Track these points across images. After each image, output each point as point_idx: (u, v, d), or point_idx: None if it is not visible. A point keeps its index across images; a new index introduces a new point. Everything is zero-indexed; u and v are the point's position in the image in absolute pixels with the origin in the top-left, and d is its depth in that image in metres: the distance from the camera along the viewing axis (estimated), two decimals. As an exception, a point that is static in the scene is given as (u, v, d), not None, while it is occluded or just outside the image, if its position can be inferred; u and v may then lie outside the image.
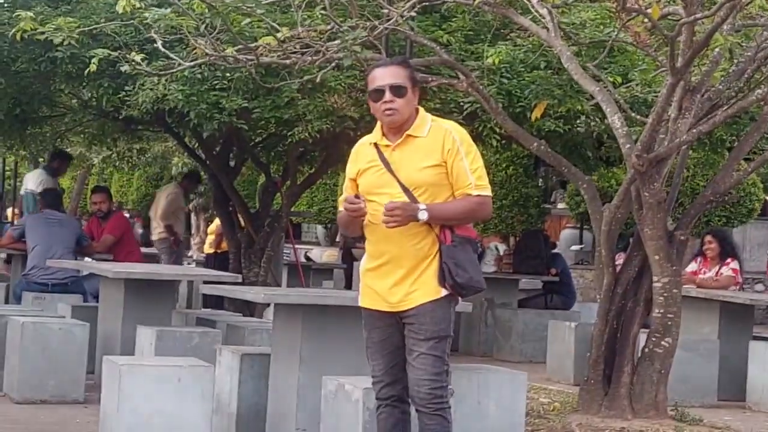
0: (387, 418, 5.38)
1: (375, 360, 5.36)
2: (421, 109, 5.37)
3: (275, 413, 7.07)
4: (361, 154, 5.42)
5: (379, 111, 5.28)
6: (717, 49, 8.08)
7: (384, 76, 5.28)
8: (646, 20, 7.94)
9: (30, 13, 8.24)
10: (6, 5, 9.85)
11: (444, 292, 5.20)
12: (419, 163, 5.21)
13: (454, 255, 5.17)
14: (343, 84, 9.33)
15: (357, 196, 5.25)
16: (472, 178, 5.21)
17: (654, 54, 8.94)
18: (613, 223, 8.19)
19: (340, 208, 5.34)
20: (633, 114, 8.72)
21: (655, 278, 8.06)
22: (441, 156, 5.20)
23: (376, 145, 5.33)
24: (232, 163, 13.45)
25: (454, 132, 5.26)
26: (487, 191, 5.27)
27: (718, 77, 8.44)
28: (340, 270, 19.49)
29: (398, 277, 5.23)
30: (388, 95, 5.23)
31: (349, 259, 18.62)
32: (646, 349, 8.19)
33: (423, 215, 5.10)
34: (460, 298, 5.35)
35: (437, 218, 5.16)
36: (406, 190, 5.18)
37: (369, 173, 5.33)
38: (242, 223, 12.79)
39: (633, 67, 9.82)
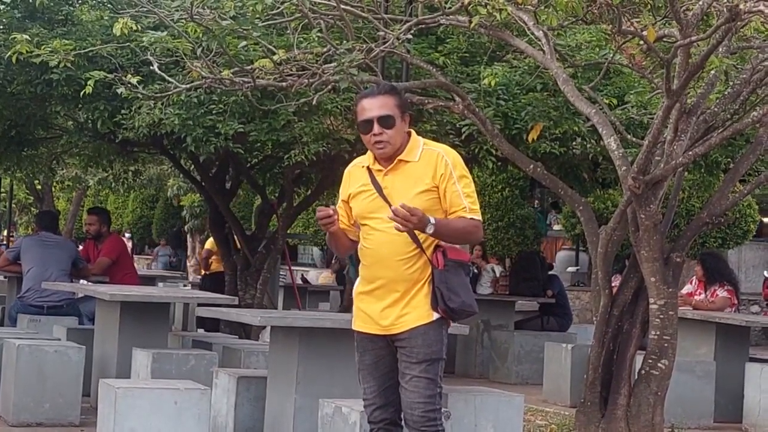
0: None
1: (367, 383, 5.34)
2: (413, 133, 5.34)
3: (271, 436, 7.06)
4: (354, 177, 5.40)
5: (370, 143, 5.26)
6: (712, 72, 8.11)
7: (372, 107, 5.24)
8: (641, 42, 7.96)
9: (26, 36, 8.26)
10: (1, 27, 9.85)
11: (436, 316, 5.19)
12: (412, 189, 5.19)
13: (446, 279, 5.16)
14: (339, 106, 9.35)
15: (327, 206, 5.27)
16: (466, 202, 5.19)
17: (650, 76, 8.96)
18: (609, 245, 8.19)
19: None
20: (629, 136, 8.74)
21: (651, 300, 8.05)
22: (432, 180, 5.18)
23: (368, 168, 5.32)
24: (228, 185, 13.46)
25: (447, 156, 5.23)
26: (479, 216, 5.26)
27: (713, 99, 8.46)
28: (337, 291, 19.47)
29: (390, 301, 5.21)
30: (376, 128, 5.20)
31: (345, 281, 18.64)
32: (643, 371, 8.18)
33: (430, 229, 5.06)
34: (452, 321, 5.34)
35: (440, 234, 5.12)
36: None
37: (361, 197, 5.32)
38: (238, 245, 12.78)
39: (629, 89, 9.85)
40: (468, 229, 5.21)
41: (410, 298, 5.19)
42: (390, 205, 5.16)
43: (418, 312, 5.18)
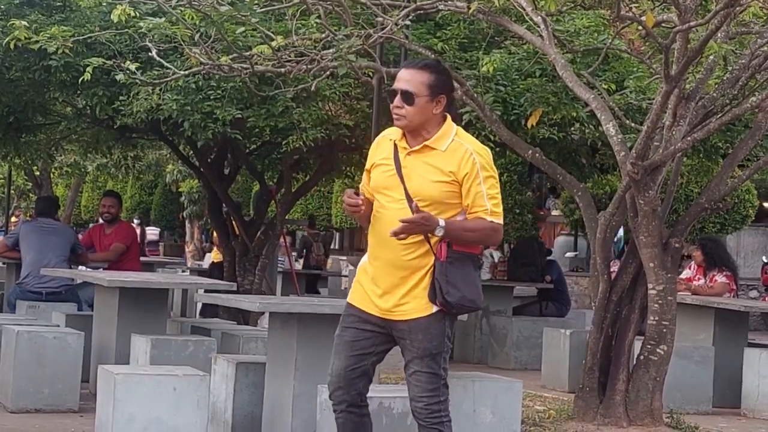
0: (344, 423, 5.28)
1: (337, 358, 5.24)
2: (449, 120, 5.19)
3: (270, 422, 7.07)
4: (381, 147, 5.29)
5: (392, 111, 5.18)
6: (711, 57, 8.10)
7: (402, 78, 5.16)
8: (640, 28, 7.96)
9: (24, 22, 8.24)
10: (0, 14, 9.84)
11: (436, 308, 5.09)
12: (430, 176, 5.08)
13: (446, 272, 5.05)
14: (337, 92, 9.34)
15: (357, 193, 5.16)
16: (489, 204, 5.06)
17: (648, 61, 8.96)
18: (608, 230, 8.19)
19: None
20: (627, 121, 8.73)
21: (650, 286, 8.06)
22: (454, 175, 5.06)
23: (395, 143, 5.20)
24: (226, 171, 13.45)
25: (476, 155, 5.09)
26: (500, 219, 5.12)
27: (712, 85, 8.46)
28: (336, 277, 19.48)
29: (388, 285, 5.14)
30: (397, 100, 5.11)
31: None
32: (641, 357, 8.20)
33: (440, 232, 4.98)
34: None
35: (451, 236, 5.02)
36: (409, 199, 5.06)
37: (380, 170, 5.22)
38: (237, 231, 12.79)
39: (627, 74, 9.83)
40: (485, 232, 5.09)
41: (410, 288, 5.10)
42: (404, 186, 5.08)
43: (418, 303, 5.10)
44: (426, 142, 5.13)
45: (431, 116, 5.14)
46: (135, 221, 29.75)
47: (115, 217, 11.94)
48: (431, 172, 5.10)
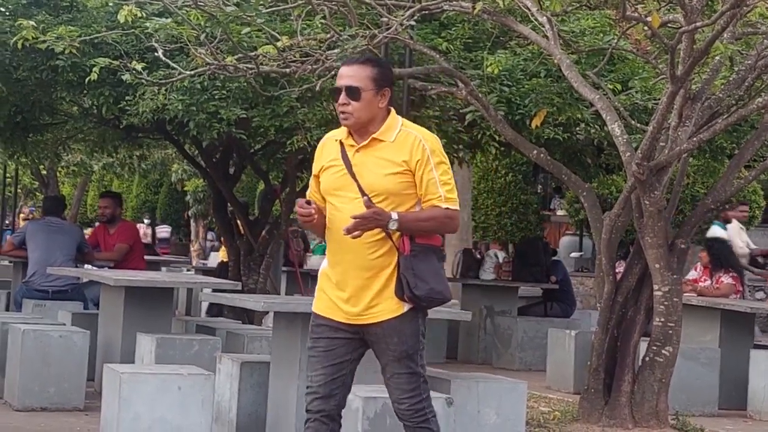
0: None
1: (315, 370, 5.09)
2: (393, 112, 5.11)
3: (275, 421, 7.07)
4: (326, 150, 5.17)
5: (337, 111, 5.08)
6: (717, 57, 8.10)
7: (344, 74, 5.05)
8: (646, 28, 7.95)
9: (31, 22, 8.26)
10: (7, 14, 9.86)
11: (407, 306, 4.99)
12: (382, 170, 4.98)
13: (413, 266, 4.94)
14: (342, 92, 9.32)
15: (308, 202, 5.04)
16: (442, 190, 4.97)
17: (654, 62, 8.96)
18: (613, 231, 8.19)
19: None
20: (633, 122, 8.73)
21: (655, 287, 8.06)
22: (407, 164, 4.97)
23: (341, 143, 5.09)
24: (231, 171, 13.47)
25: (425, 141, 5.00)
26: (456, 205, 5.03)
27: (718, 85, 8.45)
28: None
29: (354, 288, 5.00)
30: (342, 97, 5.01)
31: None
32: (647, 358, 8.19)
33: (393, 225, 4.88)
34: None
35: (406, 228, 4.94)
36: (365, 195, 4.95)
37: (330, 172, 5.09)
38: (242, 230, 12.80)
39: (633, 74, 9.83)
40: (440, 220, 5.00)
41: (379, 290, 4.98)
42: (357, 183, 4.98)
43: (388, 303, 4.98)
44: (374, 135, 5.03)
45: (377, 110, 5.04)
46: (145, 221, 29.79)
47: (113, 217, 11.97)
48: (383, 165, 5.00)
